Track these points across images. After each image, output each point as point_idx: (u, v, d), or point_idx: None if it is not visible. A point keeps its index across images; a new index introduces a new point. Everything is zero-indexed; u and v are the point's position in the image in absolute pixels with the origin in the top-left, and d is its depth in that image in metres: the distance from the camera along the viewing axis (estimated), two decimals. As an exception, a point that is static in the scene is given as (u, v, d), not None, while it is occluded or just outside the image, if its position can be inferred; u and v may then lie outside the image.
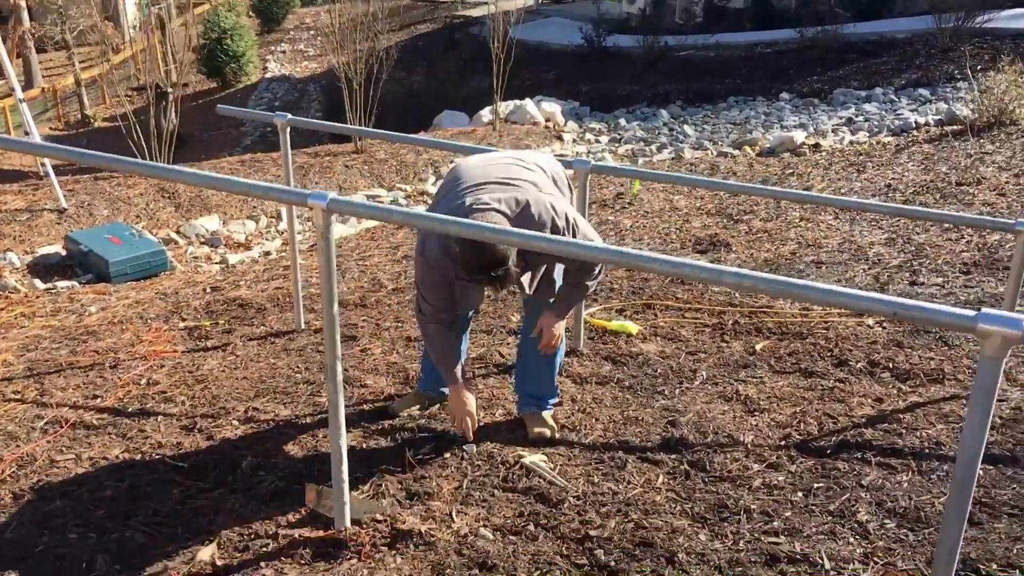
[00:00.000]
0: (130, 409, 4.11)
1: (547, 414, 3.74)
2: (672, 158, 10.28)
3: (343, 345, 4.80)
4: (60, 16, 20.85)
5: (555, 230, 3.10)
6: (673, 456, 3.47)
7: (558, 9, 24.53)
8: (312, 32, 27.93)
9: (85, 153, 2.97)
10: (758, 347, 4.54)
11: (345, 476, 2.92)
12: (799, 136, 10.23)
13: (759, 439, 3.58)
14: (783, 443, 3.55)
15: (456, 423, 3.50)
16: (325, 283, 2.64)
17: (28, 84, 25.07)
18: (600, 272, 3.40)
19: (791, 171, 8.88)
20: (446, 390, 3.91)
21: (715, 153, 10.44)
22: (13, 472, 3.50)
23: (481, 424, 3.79)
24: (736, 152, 10.35)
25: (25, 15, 23.13)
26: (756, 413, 3.83)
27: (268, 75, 23.63)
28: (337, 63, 11.29)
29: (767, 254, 6.15)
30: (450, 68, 18.27)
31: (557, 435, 3.65)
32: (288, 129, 4.93)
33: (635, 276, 5.75)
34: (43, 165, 9.47)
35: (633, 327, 4.80)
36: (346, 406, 3.98)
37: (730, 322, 4.87)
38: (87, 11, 20.18)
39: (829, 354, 4.42)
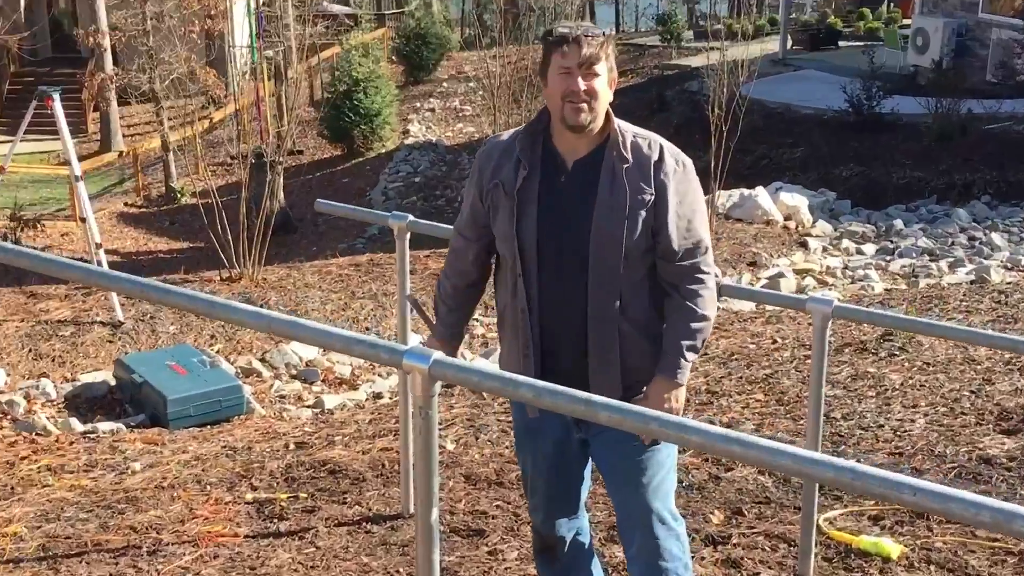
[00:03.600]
0: (164, 620, 4.17)
1: None
2: (972, 282, 9.84)
3: (465, 542, 4.75)
4: (150, 60, 22.50)
5: (667, 183, 3.28)
6: None
7: (815, 59, 24.48)
8: (472, 84, 29.01)
9: (106, 274, 3.09)
10: (1091, 595, 4.15)
11: None
12: None
13: None
14: None
15: None
16: (423, 480, 2.60)
17: (105, 146, 27.20)
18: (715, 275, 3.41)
19: None
20: None
21: (1040, 276, 9.94)
22: None
23: None
24: (1072, 276, 9.83)
25: (108, 58, 25.16)
26: None
27: (409, 140, 24.61)
28: (494, 128, 11.60)
29: (1113, 441, 5.70)
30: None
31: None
32: (408, 235, 4.93)
33: (901, 460, 5.46)
34: (99, 261, 10.06)
35: (893, 547, 4.52)
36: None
37: (1048, 550, 4.50)
38: (184, 55, 21.79)
39: None
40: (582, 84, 3.19)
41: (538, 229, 3.29)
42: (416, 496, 2.67)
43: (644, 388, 3.36)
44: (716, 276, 3.41)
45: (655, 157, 3.29)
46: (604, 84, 3.25)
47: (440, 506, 5.17)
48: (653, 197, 3.26)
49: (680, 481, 5.36)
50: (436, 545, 2.67)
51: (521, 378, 2.55)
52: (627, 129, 3.33)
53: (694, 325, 3.31)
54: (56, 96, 9.40)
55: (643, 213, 3.25)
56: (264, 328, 2.89)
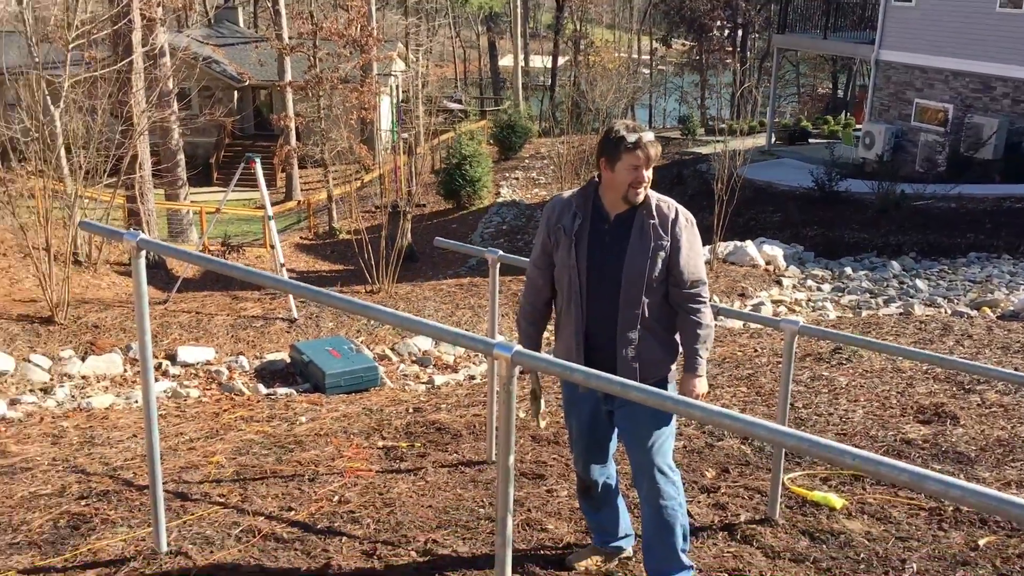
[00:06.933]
0: (319, 526, 4.21)
1: None
2: (900, 313, 9.65)
3: (530, 483, 4.75)
4: (322, 138, 22.94)
5: (680, 234, 3.32)
6: (869, 661, 3.10)
7: (791, 151, 24.19)
8: (545, 161, 29.12)
9: (287, 282, 3.16)
10: (981, 542, 4.05)
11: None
12: (1049, 300, 9.34)
13: (974, 655, 3.15)
14: (1003, 665, 3.10)
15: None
16: (503, 436, 2.61)
17: (288, 196, 27.66)
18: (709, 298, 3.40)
19: (1037, 339, 8.07)
20: (620, 544, 3.78)
21: (949, 312, 9.70)
22: (202, 578, 3.65)
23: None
24: (974, 313, 9.58)
25: (293, 135, 25.67)
26: (973, 622, 3.38)
27: (500, 199, 24.70)
28: (560, 191, 11.61)
29: (1001, 432, 5.56)
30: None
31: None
32: (498, 265, 5.01)
33: (844, 440, 5.36)
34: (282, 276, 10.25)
35: (837, 500, 4.44)
36: (523, 551, 3.91)
37: (951, 508, 4.39)
38: (346, 134, 22.21)
39: (1069, 561, 3.86)
40: (646, 175, 3.26)
41: (588, 260, 3.35)
42: (498, 447, 2.69)
43: (655, 374, 3.40)
44: (710, 300, 3.43)
45: (672, 216, 3.33)
46: (651, 172, 3.31)
47: (513, 456, 5.19)
48: (668, 243, 3.30)
49: (683, 446, 5.33)
50: (511, 483, 2.69)
51: (576, 366, 2.56)
52: (653, 196, 3.36)
53: (700, 332, 3.36)
54: (257, 160, 9.62)
55: (661, 254, 3.29)
56: (399, 324, 2.93)
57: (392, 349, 8.97)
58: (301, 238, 22.51)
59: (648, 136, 3.25)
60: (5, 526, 4.19)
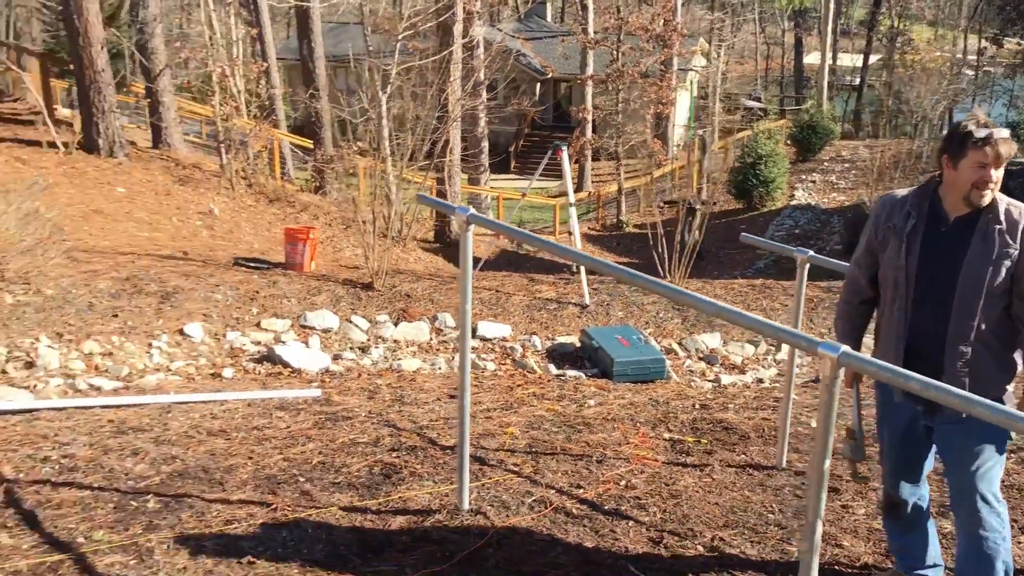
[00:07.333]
0: (606, 507, 4.30)
1: None
2: None
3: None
4: (617, 131, 23.26)
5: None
6: None
7: None
8: (847, 165, 27.61)
9: (608, 264, 3.22)
10: None
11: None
12: None
13: None
14: None
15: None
16: (821, 438, 2.52)
17: (579, 187, 28.35)
18: None
19: None
20: (928, 572, 3.53)
21: None
22: (498, 540, 3.85)
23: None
24: None
25: (589, 128, 26.24)
26: None
27: (793, 202, 23.77)
28: (868, 198, 10.99)
29: None
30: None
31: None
32: (807, 265, 4.84)
33: None
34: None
35: None
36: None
37: None
38: (641, 128, 22.38)
39: None
40: (994, 175, 3.01)
41: (919, 263, 3.14)
42: (815, 448, 2.60)
43: (988, 393, 3.06)
44: None
45: (1023, 222, 3.03)
46: (1002, 173, 3.05)
47: (828, 461, 4.98)
48: (1017, 252, 3.02)
49: (1002, 480, 4.86)
50: (824, 488, 2.60)
51: (911, 373, 2.40)
52: (1001, 198, 3.08)
53: None
54: (564, 149, 9.91)
55: (1006, 263, 3.01)
56: (714, 312, 2.89)
57: (679, 344, 8.91)
58: (589, 229, 22.96)
59: (1002, 133, 2.99)
60: (329, 466, 4.64)
